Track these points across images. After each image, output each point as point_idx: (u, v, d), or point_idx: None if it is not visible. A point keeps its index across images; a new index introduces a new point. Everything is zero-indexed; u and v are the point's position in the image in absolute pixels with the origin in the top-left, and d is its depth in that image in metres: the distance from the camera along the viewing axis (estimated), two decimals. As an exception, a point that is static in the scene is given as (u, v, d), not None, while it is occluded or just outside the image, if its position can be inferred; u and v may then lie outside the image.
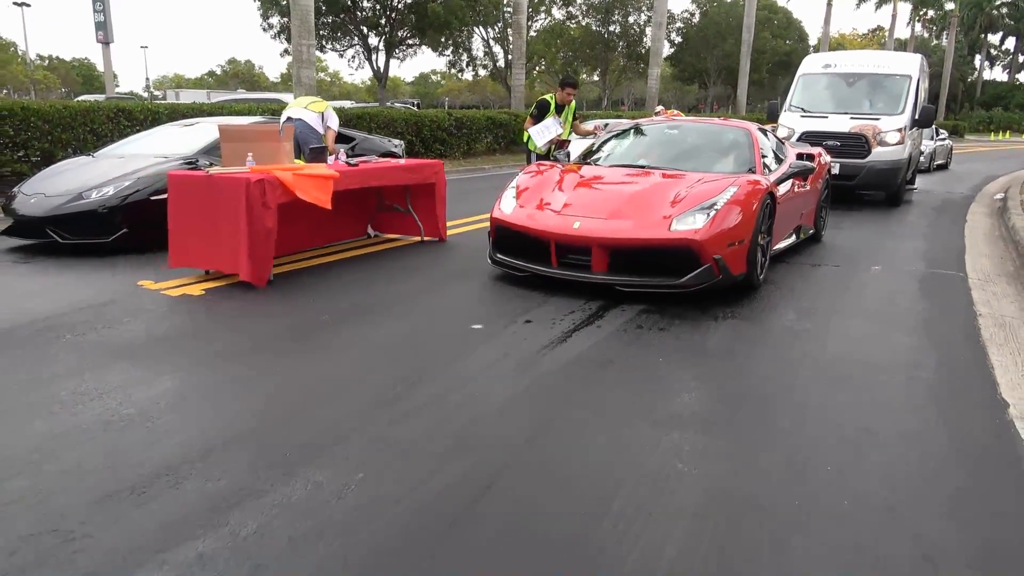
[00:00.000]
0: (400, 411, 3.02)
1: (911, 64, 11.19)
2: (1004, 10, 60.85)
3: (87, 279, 5.20)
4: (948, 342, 4.15)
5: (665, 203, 4.95)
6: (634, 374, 3.53)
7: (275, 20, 36.55)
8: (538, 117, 7.11)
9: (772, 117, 11.52)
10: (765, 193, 5.18)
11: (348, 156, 6.62)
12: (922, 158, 15.28)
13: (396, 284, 5.25)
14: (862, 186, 10.32)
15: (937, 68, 45.73)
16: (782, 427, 2.95)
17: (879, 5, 55.71)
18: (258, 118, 9.52)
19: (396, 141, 10.00)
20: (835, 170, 9.49)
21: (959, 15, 53.05)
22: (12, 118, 8.98)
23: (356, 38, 37.93)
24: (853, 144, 10.19)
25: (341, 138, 8.24)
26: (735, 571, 2.02)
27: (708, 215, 4.75)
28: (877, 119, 10.36)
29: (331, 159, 6.06)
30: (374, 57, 38.43)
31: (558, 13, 48.70)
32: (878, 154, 10.14)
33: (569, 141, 7.27)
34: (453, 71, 49.15)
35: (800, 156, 6.90)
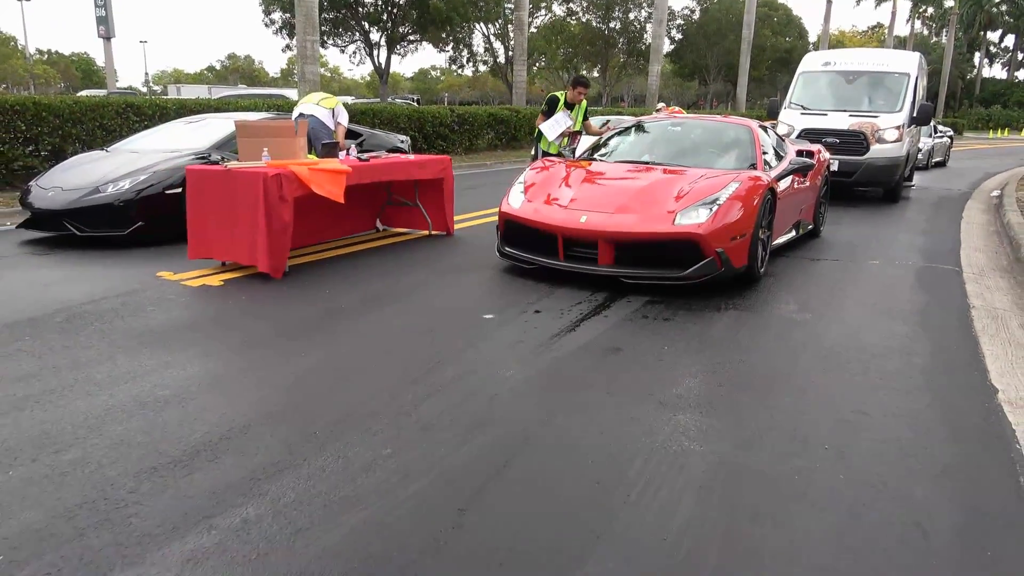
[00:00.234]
0: (423, 391, 3.18)
1: (910, 62, 11.34)
2: (1004, 7, 61.00)
3: (107, 270, 5.36)
4: (942, 332, 4.32)
5: (669, 198, 5.11)
6: (641, 359, 3.69)
7: (277, 16, 36.65)
8: (548, 113, 7.27)
9: (772, 114, 11.68)
10: (766, 189, 5.34)
11: (359, 152, 6.77)
12: (920, 155, 15.43)
13: (408, 275, 5.41)
14: (860, 182, 10.49)
15: (936, 65, 45.90)
16: (782, 409, 3.12)
17: (879, 2, 56.20)
18: (265, 114, 9.66)
19: (402, 137, 10.14)
20: (834, 167, 9.67)
21: (958, 12, 53.24)
22: (24, 113, 9.12)
23: (357, 33, 38.02)
24: (852, 141, 10.36)
25: (349, 134, 8.38)
26: (741, 533, 2.19)
27: (711, 210, 4.91)
28: (876, 116, 10.53)
29: (342, 155, 6.22)
30: (375, 53, 38.54)
31: (559, 9, 48.89)
32: (876, 151, 10.30)
33: (581, 133, 7.42)
34: (453, 67, 49.25)
35: (800, 153, 7.06)
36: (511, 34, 32.59)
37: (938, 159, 18.64)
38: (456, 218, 7.30)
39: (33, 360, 3.48)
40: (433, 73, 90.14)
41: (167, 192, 6.35)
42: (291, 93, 25.11)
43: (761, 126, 6.76)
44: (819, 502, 2.37)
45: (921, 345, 4.05)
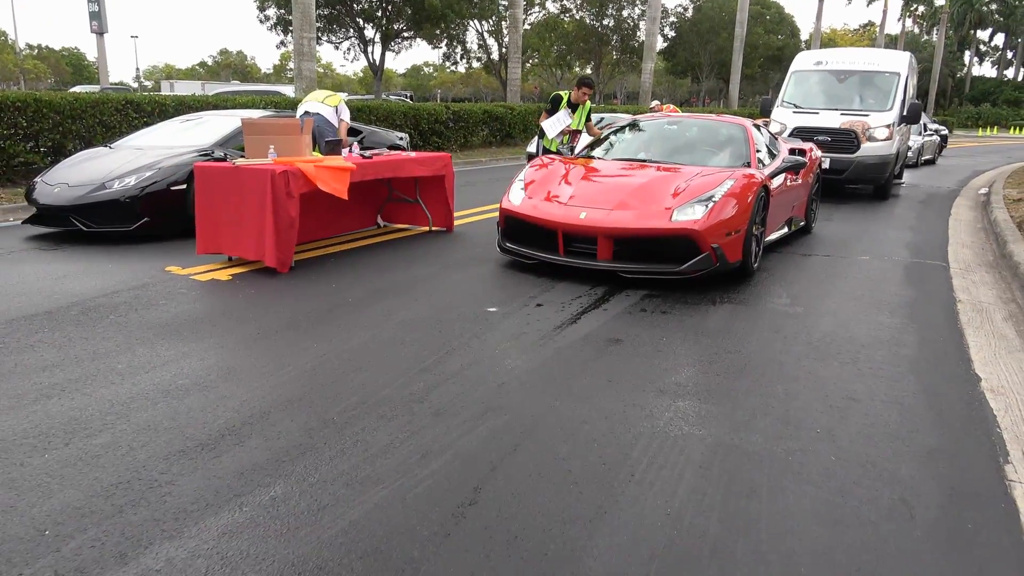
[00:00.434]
0: (433, 379, 3.33)
1: (900, 62, 11.54)
2: (993, 6, 61.53)
3: (116, 265, 5.47)
4: (929, 324, 4.49)
5: (666, 195, 5.26)
6: (641, 350, 3.85)
7: (272, 12, 36.60)
8: (551, 112, 7.42)
9: (765, 112, 11.87)
10: (760, 186, 5.50)
11: (361, 149, 6.89)
12: (910, 153, 15.65)
13: (412, 270, 5.55)
14: (851, 180, 10.68)
15: (927, 64, 46.30)
16: (776, 396, 3.28)
17: (870, 1, 56.27)
18: (265, 111, 9.75)
19: (400, 134, 10.26)
20: (825, 164, 9.86)
21: (949, 11, 53.64)
22: (25, 110, 9.19)
23: (352, 30, 38.02)
24: (843, 139, 10.55)
25: (350, 131, 8.50)
26: (738, 506, 2.34)
27: (707, 206, 5.06)
28: (866, 115, 10.72)
29: (345, 152, 6.34)
30: (370, 49, 38.56)
31: (552, 7, 48.99)
32: (867, 149, 10.50)
33: (580, 132, 7.57)
34: (447, 64, 49.28)
35: (792, 151, 7.23)
36: (505, 31, 32.67)
37: (927, 157, 18.86)
38: (455, 214, 7.43)
39: (55, 351, 3.60)
40: (426, 69, 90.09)
41: (172, 188, 6.46)
42: (286, 89, 25.14)
43: (754, 124, 6.93)
44: (811, 479, 2.53)
45: (909, 336, 4.21)
